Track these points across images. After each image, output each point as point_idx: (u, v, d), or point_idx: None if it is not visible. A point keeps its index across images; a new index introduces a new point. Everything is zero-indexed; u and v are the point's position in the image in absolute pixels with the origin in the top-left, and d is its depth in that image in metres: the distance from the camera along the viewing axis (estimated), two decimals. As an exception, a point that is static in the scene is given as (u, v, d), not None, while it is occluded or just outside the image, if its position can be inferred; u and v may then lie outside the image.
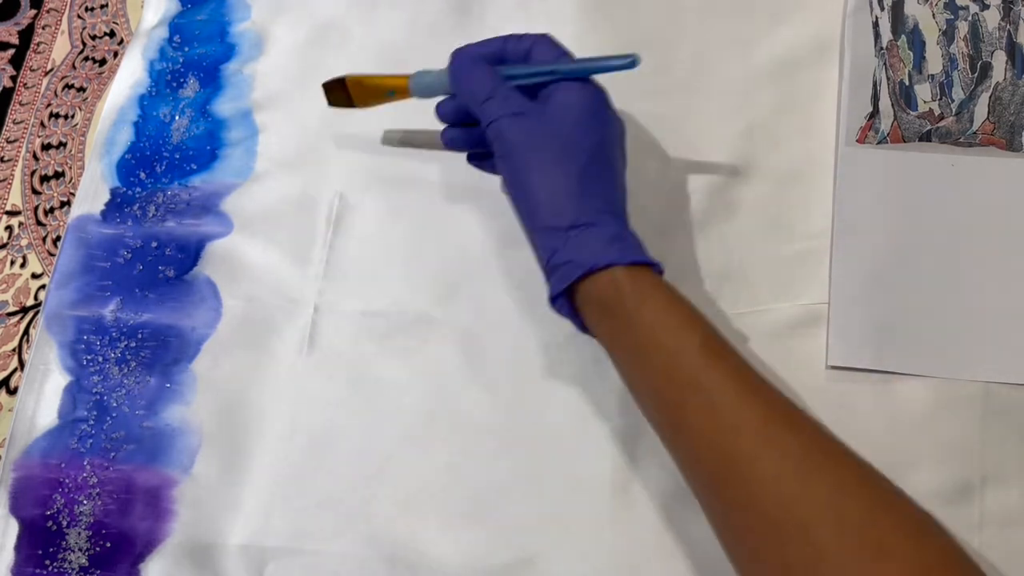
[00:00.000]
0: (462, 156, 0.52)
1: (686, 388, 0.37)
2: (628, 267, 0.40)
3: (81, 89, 0.59)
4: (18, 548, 0.46)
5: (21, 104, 0.59)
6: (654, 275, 0.41)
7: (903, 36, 0.51)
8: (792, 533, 0.33)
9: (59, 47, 0.60)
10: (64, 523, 0.47)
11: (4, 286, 0.54)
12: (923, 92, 0.50)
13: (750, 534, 0.35)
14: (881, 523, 0.33)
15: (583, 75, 0.44)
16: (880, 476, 0.35)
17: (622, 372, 0.41)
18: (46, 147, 0.57)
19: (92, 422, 0.48)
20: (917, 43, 0.51)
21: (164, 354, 0.50)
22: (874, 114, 0.50)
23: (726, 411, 0.36)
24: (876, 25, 0.51)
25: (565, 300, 0.42)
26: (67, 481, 0.47)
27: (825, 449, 0.35)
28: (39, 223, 0.55)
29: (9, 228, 0.55)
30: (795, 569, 0.33)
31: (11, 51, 0.61)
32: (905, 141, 0.49)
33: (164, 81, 0.57)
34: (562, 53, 0.45)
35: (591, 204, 0.41)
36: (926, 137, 0.49)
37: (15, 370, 0.52)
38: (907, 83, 0.50)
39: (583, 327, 0.43)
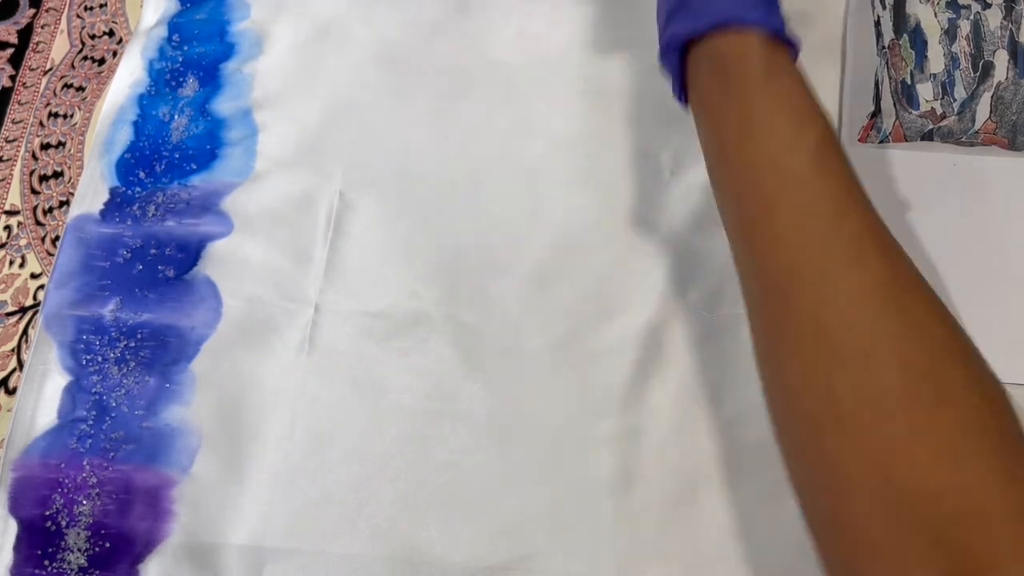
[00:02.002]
0: (461, 154, 0.52)
1: (787, 183, 0.33)
2: (766, 36, 0.35)
3: (80, 88, 0.59)
4: (17, 548, 0.46)
5: (20, 103, 0.59)
6: (788, 53, 0.36)
7: (905, 35, 0.51)
8: (851, 362, 0.30)
9: (58, 46, 0.60)
10: (63, 523, 0.47)
11: (3, 286, 0.54)
12: (925, 91, 0.50)
13: (801, 357, 0.32)
14: (946, 373, 0.30)
15: None
16: (953, 321, 0.32)
17: (714, 156, 0.37)
18: (45, 147, 0.57)
19: (91, 422, 0.48)
20: (919, 42, 0.51)
21: (164, 354, 0.50)
22: (876, 113, 0.50)
23: (821, 217, 0.33)
24: (878, 24, 0.51)
25: (678, 53, 0.37)
26: (66, 481, 0.47)
27: (907, 283, 0.32)
28: (38, 223, 0.55)
29: (8, 228, 0.55)
30: (843, 400, 0.30)
31: (10, 50, 0.61)
32: (907, 140, 0.49)
33: (163, 80, 0.57)
34: None
35: None
36: (928, 136, 0.49)
37: (14, 370, 0.52)
38: (909, 82, 0.50)
39: (680, 89, 0.38)
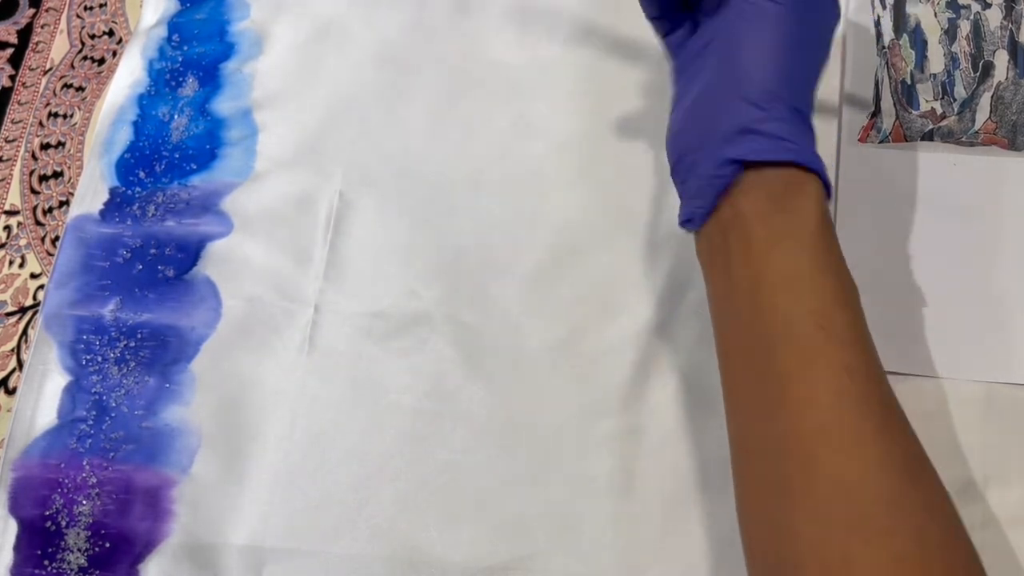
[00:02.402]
0: (461, 154, 0.52)
1: (832, 338, 0.33)
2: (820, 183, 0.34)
3: (80, 88, 0.59)
4: (17, 548, 0.46)
5: (20, 103, 0.59)
6: (811, 193, 0.34)
7: (905, 35, 0.51)
8: (874, 529, 0.30)
9: (58, 46, 0.60)
10: (63, 523, 0.47)
11: (3, 286, 0.54)
12: (925, 91, 0.50)
13: (823, 518, 0.31)
14: (956, 545, 0.31)
15: None
16: (950, 497, 0.32)
17: (738, 297, 0.35)
18: (45, 147, 0.57)
19: (91, 422, 0.48)
20: (919, 42, 0.51)
21: (163, 354, 0.50)
22: (876, 113, 0.50)
23: (860, 382, 0.32)
24: (878, 24, 0.51)
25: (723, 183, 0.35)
26: (66, 481, 0.47)
27: (921, 457, 0.32)
28: (38, 223, 0.55)
29: (8, 228, 0.55)
30: (860, 566, 0.30)
31: (10, 50, 0.61)
32: (907, 140, 0.49)
33: (163, 80, 0.57)
34: None
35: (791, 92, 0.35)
36: (928, 136, 0.49)
37: (14, 370, 0.52)
38: (909, 82, 0.50)
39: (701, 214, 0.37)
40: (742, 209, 0.35)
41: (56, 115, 0.58)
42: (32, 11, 0.62)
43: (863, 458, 0.31)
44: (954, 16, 0.51)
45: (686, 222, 0.37)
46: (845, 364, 0.32)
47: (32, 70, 0.60)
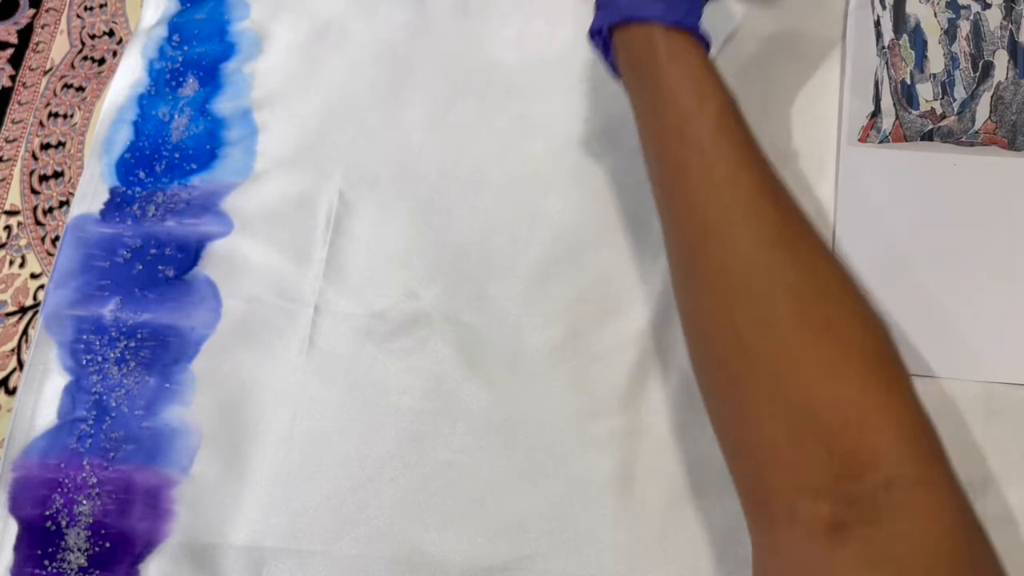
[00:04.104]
0: (461, 154, 0.52)
1: (691, 148, 0.38)
2: (667, 27, 0.40)
3: (80, 88, 0.59)
4: (17, 548, 0.46)
5: (20, 103, 0.59)
6: (692, 39, 0.40)
7: (905, 35, 0.51)
8: (751, 296, 0.35)
9: (58, 46, 0.60)
10: (63, 523, 0.47)
11: (3, 286, 0.54)
12: (925, 91, 0.50)
13: (711, 294, 0.37)
14: (831, 302, 0.35)
15: None
16: (837, 261, 0.37)
17: (639, 125, 0.42)
18: (45, 147, 0.57)
19: (91, 422, 0.48)
20: (919, 42, 0.51)
21: (163, 354, 0.50)
22: (876, 113, 0.50)
23: (721, 176, 0.37)
24: (878, 24, 0.51)
25: (601, 39, 0.43)
26: (66, 481, 0.47)
27: (798, 228, 0.37)
28: (38, 223, 0.55)
29: (8, 228, 0.55)
30: (745, 329, 0.35)
31: (10, 50, 0.61)
32: (907, 140, 0.49)
33: (163, 80, 0.57)
34: None
35: None
36: (928, 136, 0.49)
37: (14, 370, 0.52)
38: (909, 82, 0.50)
39: (615, 70, 0.43)
40: (620, 67, 0.42)
41: (56, 115, 0.58)
42: (32, 11, 0.62)
43: (735, 238, 0.37)
44: (954, 16, 0.51)
45: (595, 32, 0.43)
46: (705, 165, 0.38)
47: (32, 70, 0.60)
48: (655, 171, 0.41)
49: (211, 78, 0.56)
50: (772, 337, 0.35)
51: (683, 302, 0.39)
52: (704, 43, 0.41)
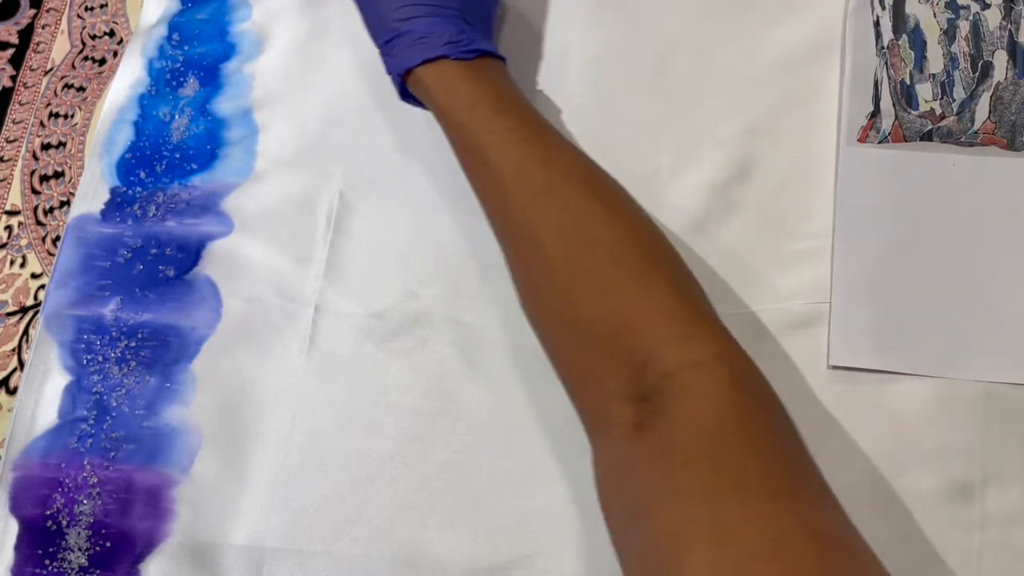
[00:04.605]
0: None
1: (471, 153, 0.44)
2: (426, 65, 0.45)
3: (81, 89, 0.59)
4: (18, 548, 0.46)
5: (21, 104, 0.59)
6: (451, 64, 0.45)
7: (904, 35, 0.51)
8: (529, 246, 0.41)
9: (59, 46, 0.60)
10: (64, 523, 0.47)
11: (3, 286, 0.54)
12: (924, 91, 0.50)
13: (509, 253, 0.43)
14: (588, 224, 0.40)
15: None
16: (612, 203, 0.42)
17: (447, 137, 0.47)
18: (46, 147, 0.57)
19: (92, 422, 0.48)
20: (918, 42, 0.51)
21: (164, 354, 0.50)
22: (875, 113, 0.50)
23: (495, 163, 0.43)
24: (877, 24, 0.51)
25: (411, 99, 0.48)
26: (67, 481, 0.47)
27: (564, 184, 0.42)
28: (39, 223, 0.55)
29: (9, 228, 0.55)
30: (532, 277, 0.42)
31: (11, 51, 0.61)
32: (906, 141, 0.49)
33: (164, 80, 0.57)
34: None
35: (404, 13, 0.46)
36: (927, 137, 0.49)
37: (15, 370, 0.52)
38: (908, 82, 0.50)
39: (403, 93, 0.48)
40: (423, 78, 0.46)
41: (57, 115, 0.58)
42: (33, 11, 0.62)
43: (525, 189, 0.42)
44: (953, 16, 0.51)
45: (401, 87, 0.48)
46: (504, 142, 0.43)
47: (33, 70, 0.60)
48: (472, 184, 0.46)
49: (212, 78, 0.56)
50: (547, 274, 0.40)
51: (513, 282, 0.44)
52: (455, 55, 0.45)
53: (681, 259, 0.41)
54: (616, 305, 0.38)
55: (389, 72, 0.48)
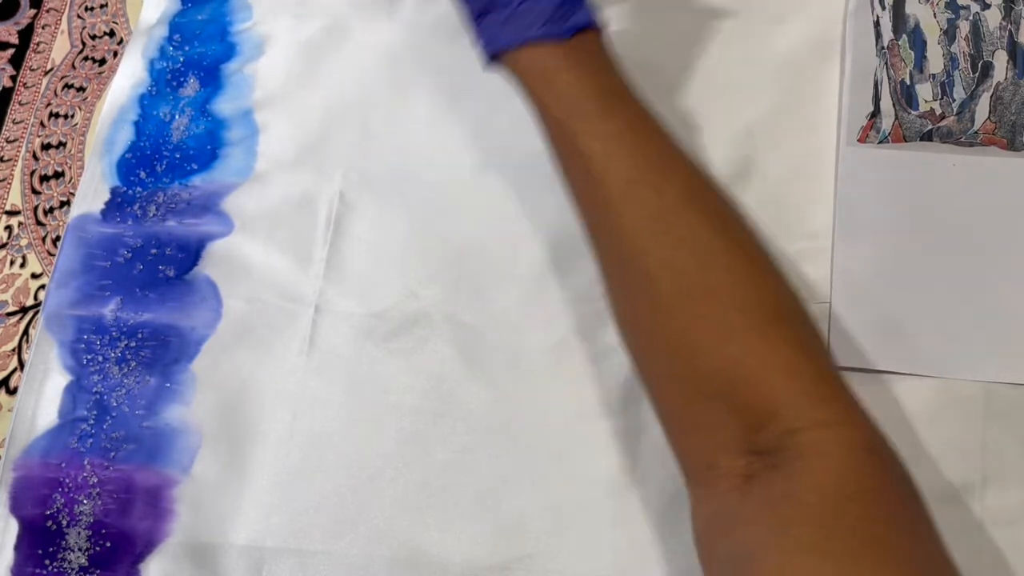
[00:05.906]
0: (461, 155, 0.52)
1: (571, 157, 0.41)
2: (519, 49, 0.41)
3: (81, 89, 0.59)
4: (18, 547, 0.46)
5: (21, 104, 0.59)
6: (546, 49, 0.41)
7: (904, 36, 0.51)
8: (637, 283, 0.38)
9: (59, 47, 0.60)
10: (64, 523, 0.47)
11: (4, 286, 0.54)
12: (924, 92, 0.50)
13: (613, 288, 0.40)
14: (716, 273, 0.37)
15: None
16: (736, 236, 0.38)
17: (543, 129, 0.43)
18: (46, 147, 0.57)
19: (92, 422, 0.48)
20: (918, 43, 0.51)
21: (164, 354, 0.50)
22: (875, 114, 0.50)
23: (599, 174, 0.39)
24: (877, 25, 0.51)
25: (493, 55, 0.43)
26: (67, 481, 0.47)
27: (679, 210, 0.38)
28: (39, 223, 0.55)
29: (9, 228, 0.55)
30: (641, 317, 0.38)
31: (11, 51, 0.61)
32: (906, 141, 0.49)
33: (164, 80, 0.57)
34: None
35: None
36: (927, 137, 0.49)
37: (15, 370, 0.52)
38: (908, 83, 0.50)
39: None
40: (517, 85, 0.43)
41: (57, 115, 0.58)
42: (33, 11, 0.62)
43: (610, 231, 0.39)
44: (953, 17, 0.51)
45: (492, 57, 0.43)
46: (607, 151, 0.40)
47: (33, 70, 0.60)
48: (565, 189, 0.42)
49: (212, 78, 0.56)
50: (658, 313, 0.37)
51: (606, 288, 0.41)
52: (559, 36, 0.41)
53: (802, 302, 0.38)
54: (737, 356, 0.35)
55: (479, 50, 0.44)
